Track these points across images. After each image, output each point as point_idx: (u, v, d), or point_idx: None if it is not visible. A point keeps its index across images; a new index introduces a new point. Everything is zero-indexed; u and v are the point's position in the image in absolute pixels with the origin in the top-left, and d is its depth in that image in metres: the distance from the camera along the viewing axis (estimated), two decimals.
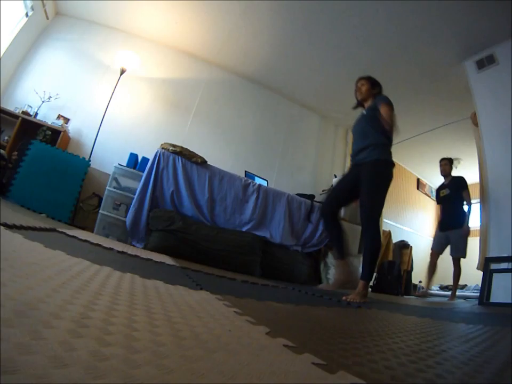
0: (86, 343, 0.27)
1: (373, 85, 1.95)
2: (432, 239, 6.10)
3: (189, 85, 4.15)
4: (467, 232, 3.13)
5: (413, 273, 4.42)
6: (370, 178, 1.77)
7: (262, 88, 4.51)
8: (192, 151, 2.83)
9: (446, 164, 3.48)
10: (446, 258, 6.05)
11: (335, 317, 0.88)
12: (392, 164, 1.83)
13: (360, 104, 2.00)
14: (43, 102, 3.33)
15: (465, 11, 2.70)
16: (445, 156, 3.54)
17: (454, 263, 3.24)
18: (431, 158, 5.13)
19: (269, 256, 2.80)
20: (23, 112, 3.15)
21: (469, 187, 3.30)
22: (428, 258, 6.20)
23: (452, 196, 3.36)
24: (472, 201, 3.28)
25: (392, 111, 1.78)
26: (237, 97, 4.42)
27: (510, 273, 2.21)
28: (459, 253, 3.16)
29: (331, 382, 0.32)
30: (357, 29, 3.18)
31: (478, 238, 3.02)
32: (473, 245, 3.16)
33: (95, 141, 3.35)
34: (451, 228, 3.25)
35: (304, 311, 0.94)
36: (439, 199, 3.54)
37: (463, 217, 3.20)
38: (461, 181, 3.38)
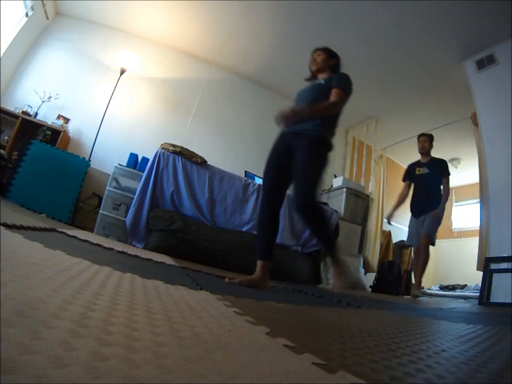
0: (86, 343, 0.27)
1: (330, 56, 1.78)
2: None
3: (189, 85, 4.15)
4: (437, 216, 2.76)
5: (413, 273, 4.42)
6: (313, 157, 1.53)
7: (262, 88, 4.52)
8: (192, 151, 2.83)
9: (426, 141, 3.02)
10: (445, 258, 6.03)
11: (335, 317, 0.88)
12: (332, 148, 1.64)
13: (314, 76, 1.81)
14: (43, 102, 3.33)
15: (465, 11, 2.71)
16: (427, 133, 3.17)
17: (421, 245, 2.80)
18: None
19: None
20: (23, 112, 3.15)
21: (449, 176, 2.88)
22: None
23: (431, 176, 2.89)
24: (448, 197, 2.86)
25: (344, 99, 1.58)
26: (237, 97, 4.42)
27: (510, 273, 2.21)
28: (428, 230, 2.76)
29: (331, 382, 0.32)
30: (357, 29, 3.19)
31: (478, 238, 3.02)
32: (473, 245, 3.15)
33: (95, 141, 3.36)
34: (429, 212, 2.82)
35: (304, 311, 0.94)
36: (413, 177, 3.04)
37: (438, 201, 2.82)
38: (443, 164, 2.91)
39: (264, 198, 1.66)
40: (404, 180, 3.16)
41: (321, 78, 1.72)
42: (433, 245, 2.84)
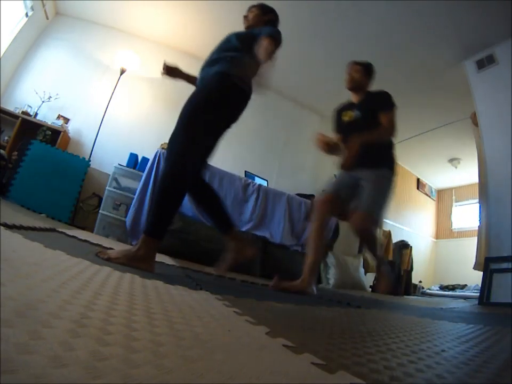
0: (85, 343, 0.27)
1: (264, 12, 1.53)
2: (433, 240, 6.08)
3: (189, 85, 4.14)
4: (358, 143, 1.66)
5: (413, 273, 4.42)
6: (194, 91, 1.23)
7: None
8: None
9: (358, 71, 1.96)
10: (445, 258, 6.01)
11: (334, 317, 0.88)
12: (243, 87, 1.24)
13: None
14: (43, 102, 3.33)
15: (465, 11, 2.70)
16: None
17: (358, 228, 1.67)
18: (431, 158, 5.13)
19: (269, 256, 2.79)
20: (23, 112, 3.15)
21: (394, 110, 1.77)
22: (428, 258, 6.13)
23: (364, 121, 1.80)
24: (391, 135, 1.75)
25: (273, 47, 1.31)
26: None
27: (510, 273, 2.21)
28: (368, 208, 1.65)
29: (331, 382, 0.32)
30: (357, 29, 3.18)
31: (476, 237, 3.02)
32: (473, 245, 3.14)
33: (95, 141, 3.35)
34: (365, 167, 1.73)
35: (304, 311, 0.94)
36: (342, 126, 1.97)
37: (387, 154, 1.82)
38: (382, 96, 1.84)
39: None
40: (338, 132, 2.04)
41: None
42: (377, 225, 1.82)
